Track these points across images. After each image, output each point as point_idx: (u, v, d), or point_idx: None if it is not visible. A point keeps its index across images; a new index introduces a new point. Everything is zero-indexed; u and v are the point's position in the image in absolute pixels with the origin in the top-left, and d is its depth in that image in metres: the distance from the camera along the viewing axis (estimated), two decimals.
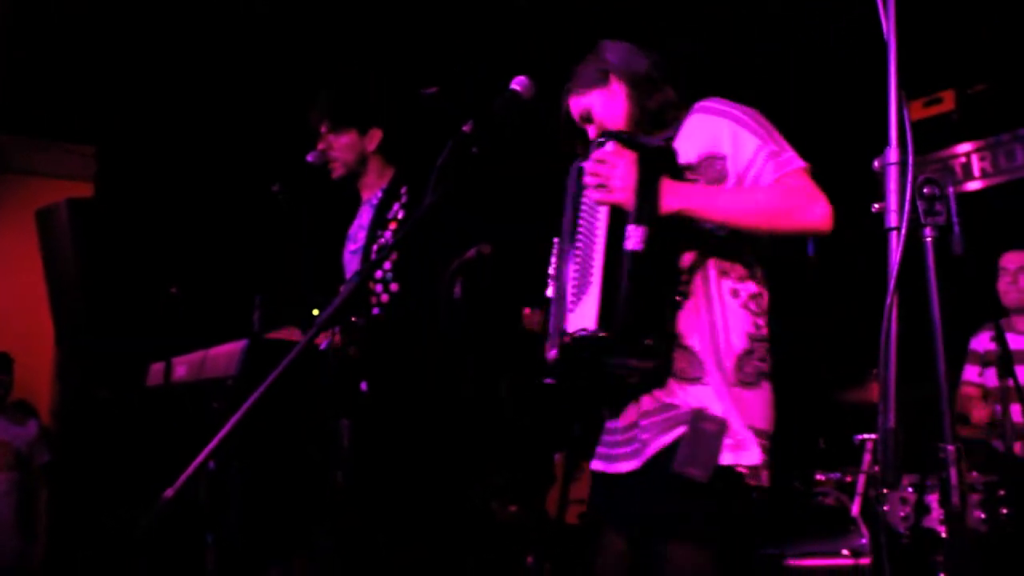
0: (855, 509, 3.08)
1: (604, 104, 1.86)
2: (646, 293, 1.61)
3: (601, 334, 1.60)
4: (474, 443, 2.43)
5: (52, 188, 4.53)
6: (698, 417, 1.63)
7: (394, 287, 2.41)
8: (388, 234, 2.44)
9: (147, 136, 4.85)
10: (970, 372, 3.69)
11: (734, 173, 1.70)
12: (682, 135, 1.79)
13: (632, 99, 1.83)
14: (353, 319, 2.27)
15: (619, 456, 1.76)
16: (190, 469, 1.29)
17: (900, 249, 1.16)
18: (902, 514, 3.06)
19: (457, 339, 2.32)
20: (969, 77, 4.39)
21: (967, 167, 4.44)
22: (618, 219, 1.64)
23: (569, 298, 1.72)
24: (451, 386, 2.38)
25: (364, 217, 2.58)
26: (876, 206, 1.21)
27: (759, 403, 1.68)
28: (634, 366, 1.66)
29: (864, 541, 2.97)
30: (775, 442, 1.71)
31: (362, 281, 2.31)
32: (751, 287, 1.73)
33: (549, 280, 1.84)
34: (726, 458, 1.61)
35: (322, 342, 2.19)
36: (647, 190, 1.61)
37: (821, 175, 1.71)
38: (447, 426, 2.33)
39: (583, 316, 1.64)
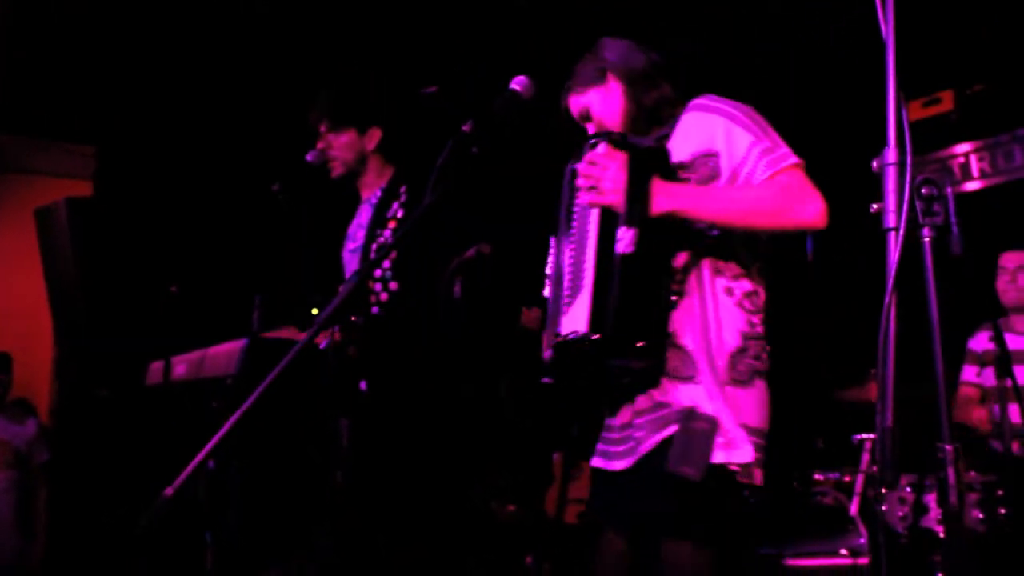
0: (853, 509, 3.09)
1: (602, 102, 1.86)
2: (637, 295, 1.61)
3: (593, 337, 1.60)
4: (473, 443, 2.44)
5: (52, 187, 4.53)
6: (689, 416, 1.64)
7: (393, 286, 2.41)
8: (387, 233, 2.45)
9: (147, 136, 4.85)
10: (968, 372, 3.70)
11: (727, 170, 1.70)
12: (677, 133, 1.79)
13: (629, 96, 1.83)
14: (353, 318, 2.27)
15: (616, 454, 1.76)
16: (190, 468, 1.29)
17: (898, 249, 1.16)
18: (900, 514, 3.07)
19: (456, 339, 2.32)
20: (968, 77, 4.39)
21: (966, 167, 4.45)
22: (609, 221, 1.65)
23: (564, 299, 1.72)
24: (450, 386, 2.38)
25: (363, 216, 2.58)
26: (875, 206, 1.21)
27: (752, 401, 1.68)
28: (625, 367, 1.66)
29: (863, 541, 2.97)
30: (773, 441, 1.71)
31: (361, 280, 2.31)
32: (746, 285, 1.72)
33: (546, 280, 1.85)
34: (718, 456, 1.62)
35: (322, 341, 2.19)
36: (637, 192, 1.61)
37: (820, 175, 1.71)
38: (446, 426, 2.33)
39: (576, 318, 1.65)
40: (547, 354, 1.72)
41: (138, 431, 4.03)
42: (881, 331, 1.16)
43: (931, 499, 3.00)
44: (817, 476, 3.41)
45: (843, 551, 2.98)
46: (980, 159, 4.42)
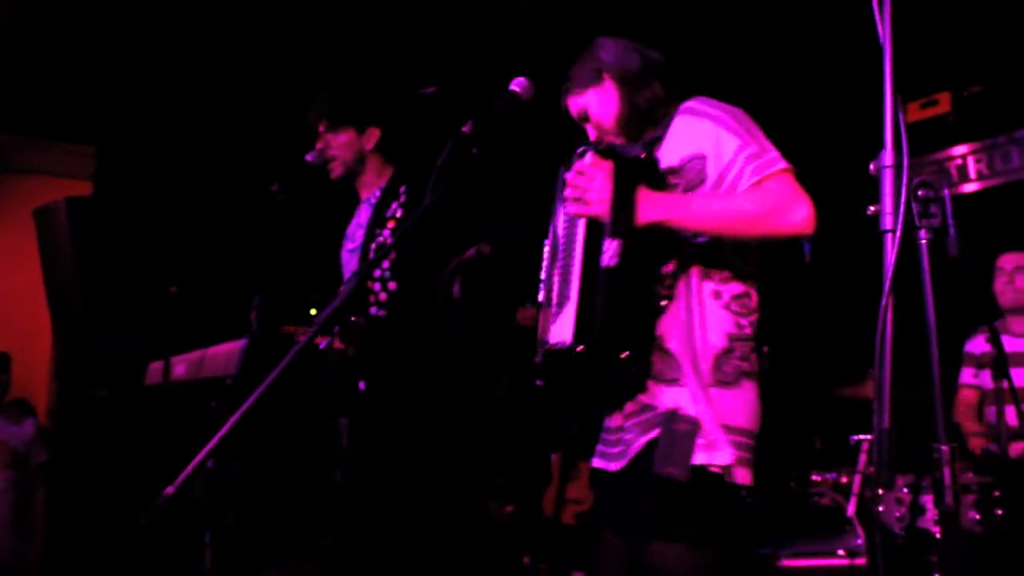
0: (851, 509, 3.09)
1: (599, 103, 1.87)
2: (621, 307, 1.63)
3: (578, 348, 1.62)
4: (472, 443, 2.44)
5: (51, 187, 4.52)
6: (671, 418, 1.66)
7: (392, 286, 2.41)
8: (386, 233, 2.45)
9: (146, 136, 4.85)
10: (966, 375, 3.71)
11: (714, 174, 1.70)
12: (668, 137, 1.80)
13: (623, 97, 1.84)
14: (353, 318, 2.28)
15: (611, 455, 1.78)
16: (190, 468, 1.29)
17: (895, 251, 1.17)
18: (897, 514, 3.07)
19: (456, 339, 2.33)
20: (965, 79, 4.40)
21: (963, 169, 4.46)
22: (595, 232, 1.66)
23: (553, 307, 1.74)
24: (450, 386, 2.38)
25: (362, 216, 2.59)
26: (871, 208, 1.22)
27: (739, 402, 1.69)
28: (610, 377, 1.69)
29: (860, 541, 2.98)
30: (769, 441, 1.72)
31: (360, 281, 2.32)
32: (735, 288, 1.73)
33: (540, 284, 1.87)
34: (699, 458, 1.63)
35: (322, 342, 2.20)
36: (622, 203, 1.61)
37: (818, 177, 1.72)
38: (446, 426, 2.33)
39: (563, 328, 1.67)
40: (538, 359, 1.74)
41: (137, 431, 4.03)
42: (878, 332, 1.16)
43: (928, 500, 3.01)
44: (814, 477, 3.42)
45: (840, 552, 2.99)
46: (977, 161, 4.43)
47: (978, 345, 3.62)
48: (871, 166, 1.23)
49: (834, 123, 4.25)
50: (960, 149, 4.49)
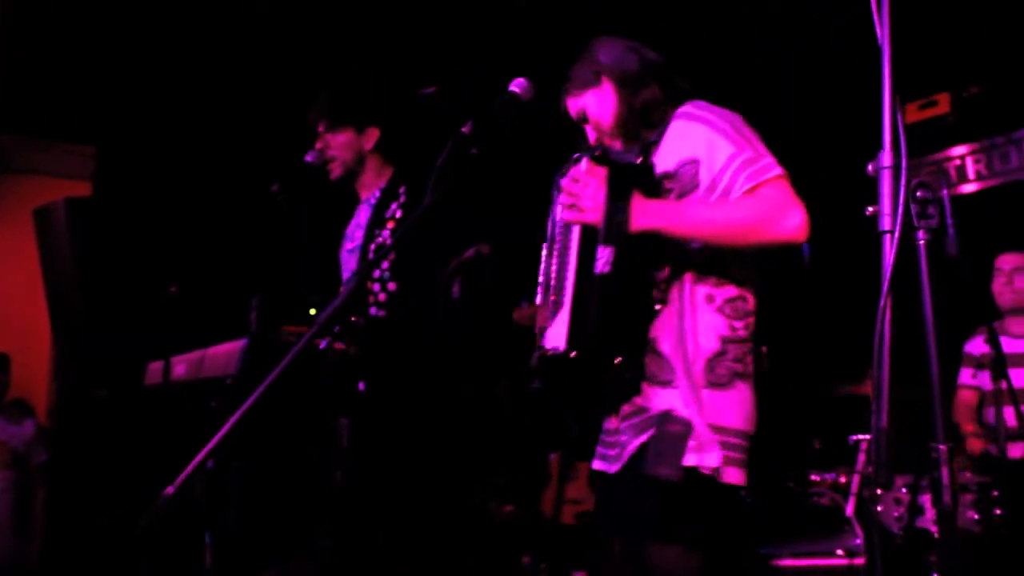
0: (849, 509, 3.10)
1: (597, 104, 1.87)
2: (614, 314, 1.64)
3: (571, 355, 1.63)
4: (472, 443, 2.44)
5: (51, 187, 4.53)
6: (664, 419, 1.67)
7: (392, 286, 2.42)
8: (386, 233, 2.45)
9: (146, 136, 4.85)
10: (965, 376, 3.72)
11: (707, 179, 1.70)
12: (664, 141, 1.80)
13: (621, 98, 1.84)
14: (353, 319, 2.28)
15: (610, 457, 1.80)
16: (190, 468, 1.30)
17: (894, 252, 1.18)
18: (896, 514, 3.08)
19: (456, 339, 2.33)
20: (964, 80, 4.41)
21: (962, 170, 4.47)
22: (589, 238, 1.67)
23: (548, 311, 1.75)
24: (449, 386, 2.39)
25: (362, 216, 2.59)
26: (870, 209, 1.22)
27: (732, 403, 1.69)
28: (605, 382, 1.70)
29: (859, 541, 2.98)
30: (767, 442, 1.72)
31: (360, 281, 2.32)
32: (729, 291, 1.73)
33: (538, 287, 1.87)
34: (689, 459, 1.64)
35: (322, 342, 2.20)
36: (616, 210, 1.62)
37: (817, 178, 1.72)
38: (445, 426, 2.34)
39: (557, 334, 1.68)
40: (533, 363, 1.75)
41: (137, 432, 4.03)
42: (876, 333, 1.17)
43: (926, 500, 3.02)
44: (813, 477, 3.43)
45: (839, 551, 2.99)
46: (976, 161, 4.43)
47: (977, 346, 3.63)
48: (869, 167, 1.23)
49: (833, 123, 4.26)
50: (959, 150, 4.50)
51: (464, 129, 1.73)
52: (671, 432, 1.65)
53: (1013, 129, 4.31)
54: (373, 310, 2.43)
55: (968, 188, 4.45)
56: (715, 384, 1.68)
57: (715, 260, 1.73)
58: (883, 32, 1.27)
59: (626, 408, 1.75)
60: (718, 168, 1.68)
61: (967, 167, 4.45)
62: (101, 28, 4.33)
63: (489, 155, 1.73)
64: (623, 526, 1.79)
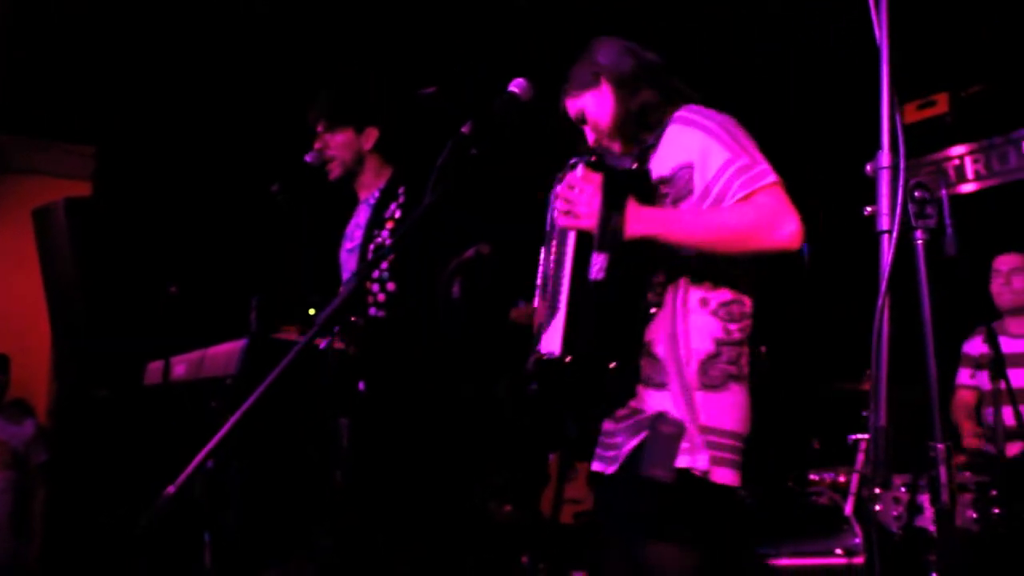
0: (848, 508, 3.11)
1: (596, 105, 1.88)
2: (608, 320, 1.66)
3: (566, 360, 1.65)
4: (472, 443, 2.45)
5: (51, 187, 4.53)
6: (658, 420, 1.69)
7: (391, 287, 2.42)
8: (384, 234, 2.45)
9: (146, 136, 4.85)
10: (963, 375, 3.72)
11: (700, 186, 1.70)
12: (661, 145, 1.81)
13: (618, 100, 1.85)
14: (353, 319, 2.28)
15: (608, 459, 1.82)
16: (190, 468, 1.30)
17: (892, 252, 1.18)
18: (895, 513, 3.08)
19: (455, 339, 2.33)
20: (963, 80, 4.42)
21: (960, 169, 4.47)
22: (585, 244, 1.69)
23: (545, 314, 1.76)
24: (449, 386, 2.39)
25: (361, 216, 2.59)
26: (868, 209, 1.23)
27: (725, 405, 1.70)
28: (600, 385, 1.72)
29: (858, 540, 2.99)
30: (766, 442, 1.73)
31: (359, 281, 2.32)
32: (724, 295, 1.74)
33: (536, 290, 1.88)
34: (682, 460, 1.65)
35: (321, 342, 2.20)
36: (610, 217, 1.63)
37: (815, 178, 1.72)
38: (445, 426, 2.34)
39: (552, 338, 1.69)
40: (530, 366, 1.76)
41: (137, 432, 4.03)
42: (875, 332, 1.17)
43: (925, 499, 3.02)
44: (813, 476, 3.44)
45: (838, 551, 3.00)
46: (975, 161, 4.44)
47: (976, 346, 3.63)
48: (868, 167, 1.24)
49: (832, 124, 4.26)
50: (958, 149, 4.51)
51: (464, 129, 1.73)
52: (664, 434, 1.67)
53: (1012, 129, 4.32)
54: (372, 310, 2.43)
55: (967, 188, 4.45)
56: (708, 386, 1.70)
57: (710, 264, 1.74)
58: (881, 33, 1.27)
59: (622, 410, 1.76)
60: (712, 175, 1.69)
61: (966, 167, 4.46)
62: (101, 28, 4.34)
63: (489, 155, 1.73)
64: (621, 526, 1.80)
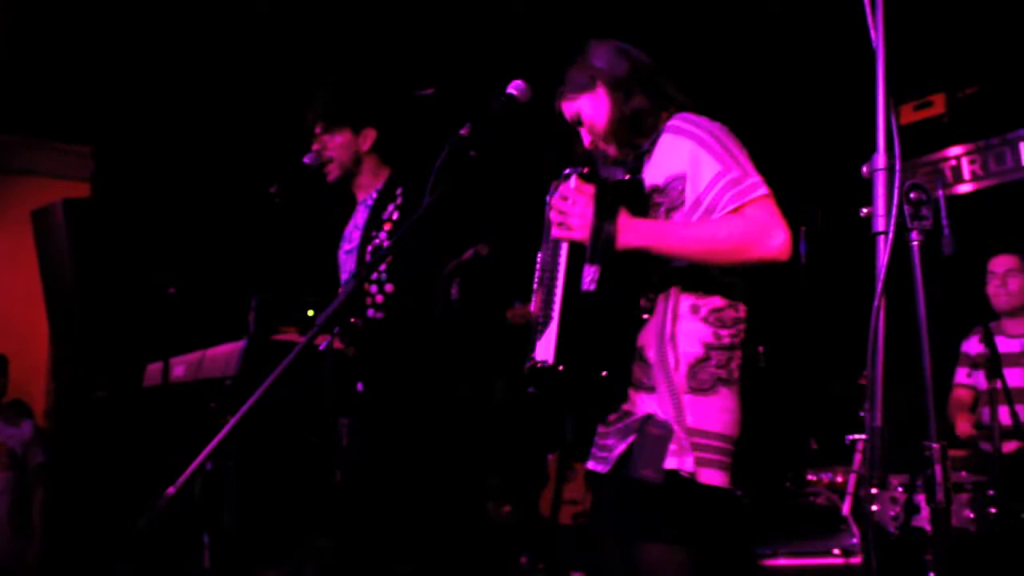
0: (846, 509, 3.11)
1: (592, 108, 1.89)
2: (600, 331, 1.69)
3: (559, 368, 1.68)
4: (470, 443, 2.45)
5: (49, 188, 4.53)
6: (646, 423, 1.71)
7: (389, 288, 2.42)
8: (383, 235, 2.45)
9: (144, 136, 4.85)
10: (960, 374, 3.73)
11: (692, 197, 1.72)
12: (655, 154, 1.82)
13: (614, 104, 1.86)
14: (352, 320, 2.29)
15: (601, 459, 1.84)
16: (191, 467, 1.30)
17: (887, 253, 1.19)
18: (892, 513, 3.09)
19: (454, 340, 2.34)
20: (959, 81, 4.43)
21: (957, 170, 4.49)
22: (577, 255, 1.71)
23: (540, 320, 1.78)
24: (447, 386, 2.39)
25: (359, 217, 2.59)
26: (864, 211, 1.24)
27: (714, 408, 1.72)
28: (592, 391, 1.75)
29: (855, 540, 3.00)
30: (764, 442, 1.74)
31: (358, 283, 2.33)
32: (715, 302, 1.76)
33: (533, 294, 1.90)
34: (670, 462, 1.67)
35: (321, 342, 2.21)
36: (602, 229, 1.66)
37: (813, 179, 1.73)
38: (444, 426, 2.35)
39: (545, 346, 1.72)
40: (525, 372, 1.79)
41: (136, 433, 4.03)
42: (871, 333, 1.18)
43: (922, 499, 3.03)
44: (810, 476, 3.45)
45: (836, 551, 3.01)
46: (971, 162, 4.45)
47: (973, 345, 3.64)
48: (864, 169, 1.25)
49: (829, 125, 4.27)
50: (954, 150, 4.52)
51: (462, 131, 1.74)
52: (652, 436, 1.69)
53: (1008, 130, 4.33)
54: (371, 311, 2.43)
55: (964, 188, 4.46)
56: (697, 389, 1.71)
57: (702, 273, 1.76)
58: (877, 35, 1.28)
59: (614, 414, 1.79)
60: (703, 186, 1.70)
61: (962, 168, 4.47)
62: (99, 28, 4.33)
63: (487, 157, 1.74)
64: (615, 525, 1.83)
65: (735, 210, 1.66)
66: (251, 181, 3.13)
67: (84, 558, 4.40)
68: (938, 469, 1.10)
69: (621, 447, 1.74)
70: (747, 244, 1.65)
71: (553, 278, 1.76)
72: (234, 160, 4.71)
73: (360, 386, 2.42)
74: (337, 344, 2.26)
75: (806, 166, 4.13)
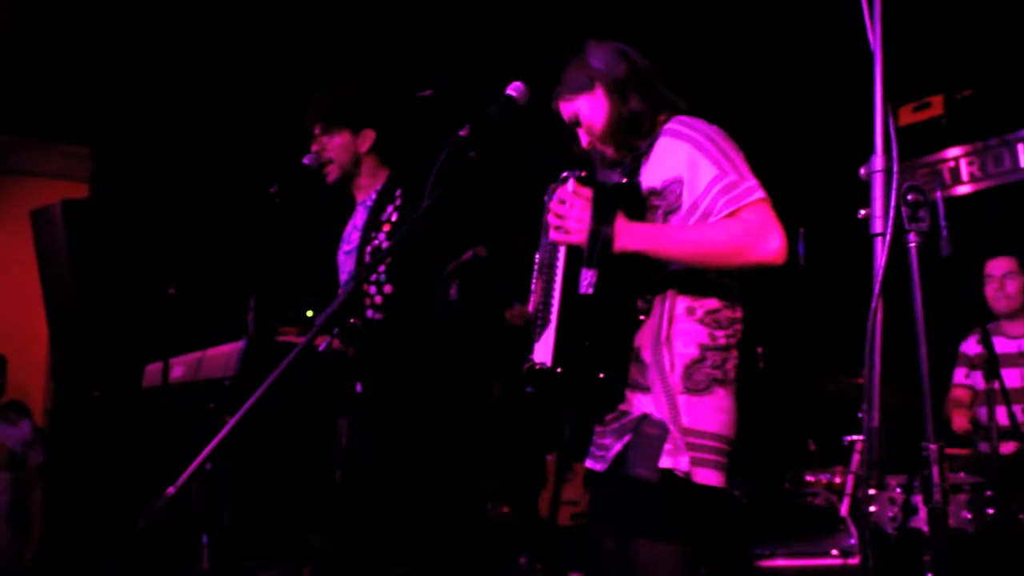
0: (844, 509, 3.12)
1: (590, 109, 1.89)
2: (597, 334, 1.70)
3: (557, 371, 1.69)
4: (469, 444, 2.46)
5: (48, 188, 4.54)
6: (642, 422, 1.73)
7: (388, 289, 2.43)
8: (382, 236, 2.45)
9: (143, 137, 4.85)
10: (958, 375, 3.73)
11: (688, 201, 1.73)
12: (652, 156, 1.83)
13: (612, 105, 1.87)
14: (351, 321, 2.29)
15: (598, 458, 1.85)
16: (191, 468, 1.31)
17: (885, 254, 1.19)
18: (890, 514, 3.10)
19: (453, 341, 2.35)
20: (958, 82, 4.43)
21: (956, 171, 4.49)
22: (575, 259, 1.72)
23: (537, 323, 1.79)
24: (446, 387, 2.40)
25: (358, 218, 2.59)
26: (862, 212, 1.24)
27: (709, 409, 1.73)
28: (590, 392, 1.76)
29: (853, 541, 3.00)
30: (762, 442, 1.75)
31: (357, 284, 2.33)
32: (711, 304, 1.77)
33: (531, 295, 1.91)
34: (665, 462, 1.69)
35: (321, 343, 2.21)
36: (599, 233, 1.67)
37: (811, 180, 1.74)
38: (443, 427, 2.35)
39: (543, 349, 1.73)
40: (523, 373, 1.80)
41: (135, 433, 4.03)
42: (868, 334, 1.18)
43: (920, 500, 3.03)
44: (808, 477, 3.45)
45: (834, 551, 3.01)
46: (970, 163, 4.46)
47: (972, 346, 3.64)
48: (861, 171, 1.25)
49: (828, 127, 4.28)
50: (953, 151, 4.53)
51: (461, 132, 1.75)
52: (648, 435, 1.71)
53: (1007, 131, 4.34)
54: (370, 312, 2.43)
55: (962, 190, 4.47)
56: (692, 390, 1.72)
57: (699, 275, 1.77)
58: (875, 37, 1.28)
59: (610, 414, 1.80)
60: (700, 190, 1.71)
61: (961, 169, 4.48)
62: (99, 28, 4.34)
63: (486, 158, 1.75)
64: (612, 524, 1.85)
65: (731, 214, 1.67)
66: (251, 182, 3.13)
67: (83, 558, 4.40)
68: (935, 470, 1.11)
69: (617, 447, 1.75)
70: (743, 248, 1.66)
71: (551, 280, 1.77)
72: (233, 161, 4.71)
73: (359, 387, 2.42)
74: (336, 345, 2.27)
75: (804, 168, 4.14)
